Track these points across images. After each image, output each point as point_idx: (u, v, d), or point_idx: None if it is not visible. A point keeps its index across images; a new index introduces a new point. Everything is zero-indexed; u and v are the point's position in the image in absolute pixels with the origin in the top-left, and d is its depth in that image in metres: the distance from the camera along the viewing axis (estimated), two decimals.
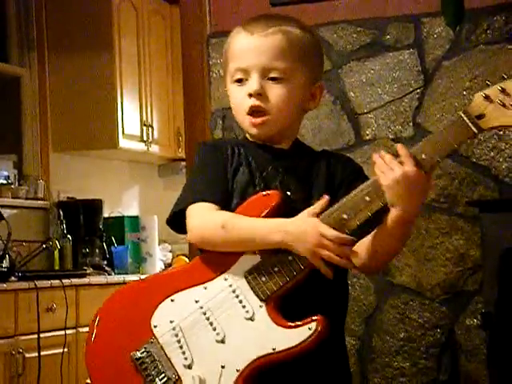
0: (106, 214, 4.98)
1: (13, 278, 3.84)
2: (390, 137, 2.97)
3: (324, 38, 3.04)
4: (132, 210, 5.47)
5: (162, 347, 1.67)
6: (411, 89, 2.93)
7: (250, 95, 1.69)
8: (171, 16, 5.34)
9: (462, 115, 1.54)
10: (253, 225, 1.63)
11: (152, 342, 1.68)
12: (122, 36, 4.94)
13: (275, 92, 1.69)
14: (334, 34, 3.07)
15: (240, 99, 1.71)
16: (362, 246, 1.64)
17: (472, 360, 2.87)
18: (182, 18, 3.19)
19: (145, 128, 5.16)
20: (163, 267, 5.29)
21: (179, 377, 1.65)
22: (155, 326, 1.68)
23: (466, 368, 2.89)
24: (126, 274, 4.73)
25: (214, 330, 1.64)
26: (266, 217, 1.63)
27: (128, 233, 5.04)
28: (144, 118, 5.17)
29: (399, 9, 2.96)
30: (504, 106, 1.52)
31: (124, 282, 4.49)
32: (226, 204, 1.69)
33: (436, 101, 2.92)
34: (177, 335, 1.66)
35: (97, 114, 4.85)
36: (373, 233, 1.64)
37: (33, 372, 3.77)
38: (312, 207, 1.61)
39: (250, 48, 1.70)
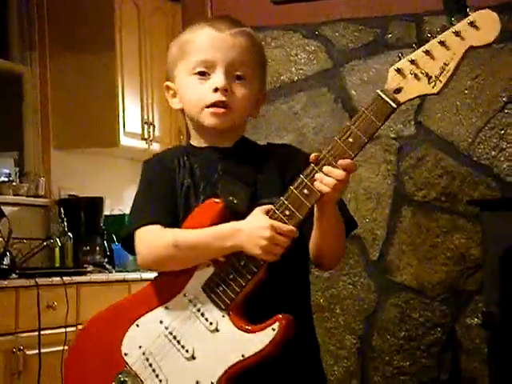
0: (106, 212, 4.98)
1: (13, 276, 3.84)
2: (392, 135, 2.97)
3: (326, 36, 3.04)
4: None
5: (136, 374, 1.66)
6: None
7: (216, 90, 1.69)
8: (173, 14, 5.33)
9: (379, 92, 1.56)
10: (204, 236, 1.63)
11: (126, 371, 1.67)
12: (123, 34, 4.94)
13: (238, 90, 1.70)
14: (336, 32, 3.07)
15: (201, 93, 1.70)
16: (312, 241, 1.66)
17: (472, 359, 2.87)
18: (183, 16, 3.19)
19: (146, 126, 5.16)
20: None
21: None
22: (126, 354, 1.68)
23: (466, 367, 2.88)
24: (127, 271, 4.72)
25: (183, 347, 1.63)
26: (211, 226, 1.63)
27: None
28: (145, 116, 5.16)
29: (401, 7, 2.96)
30: (416, 76, 1.54)
31: (124, 280, 4.49)
32: (173, 220, 1.68)
33: (437, 100, 2.92)
34: (148, 359, 1.66)
35: (98, 112, 4.84)
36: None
37: (33, 369, 3.76)
38: (265, 206, 1.61)
39: (218, 43, 1.70)
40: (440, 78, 1.54)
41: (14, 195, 4.55)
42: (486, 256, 2.70)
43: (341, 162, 1.56)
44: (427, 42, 1.54)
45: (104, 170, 5.27)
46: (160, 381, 1.65)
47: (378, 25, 2.99)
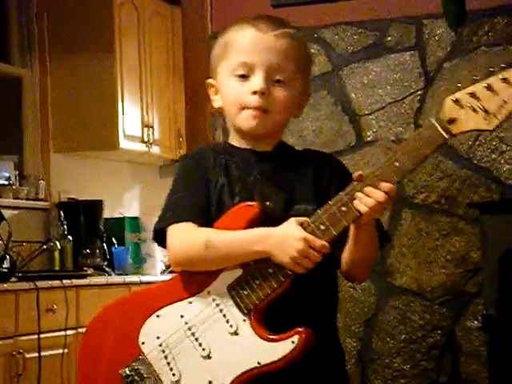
0: (106, 215, 4.98)
1: (13, 279, 3.84)
2: (391, 138, 2.98)
3: (325, 39, 3.04)
4: (132, 211, 5.47)
5: (150, 364, 1.66)
6: (412, 90, 2.93)
7: (255, 92, 1.67)
8: (173, 17, 5.33)
9: (433, 120, 1.53)
10: (235, 239, 1.62)
11: (140, 359, 1.67)
12: (123, 37, 4.94)
13: (277, 94, 1.68)
14: (336, 35, 3.07)
15: (240, 94, 1.69)
16: (345, 255, 1.66)
17: (472, 362, 2.87)
18: (183, 19, 3.19)
19: (146, 129, 5.16)
20: (164, 268, 5.29)
21: None
22: (143, 343, 1.68)
23: (466, 369, 2.89)
24: (127, 274, 4.72)
25: (200, 345, 1.63)
26: (245, 229, 1.62)
27: (128, 234, 5.04)
28: (145, 119, 5.17)
29: (401, 10, 2.96)
30: (474, 110, 1.50)
31: (124, 283, 4.49)
32: (206, 219, 1.67)
33: (437, 102, 2.92)
34: (164, 351, 1.66)
35: (98, 115, 4.84)
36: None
37: (33, 372, 3.76)
38: (300, 218, 1.60)
39: (260, 45, 1.68)
40: (497, 115, 1.49)
41: (14, 198, 4.55)
42: (485, 259, 2.70)
43: (383, 184, 1.54)
44: (489, 76, 1.50)
45: (104, 173, 5.27)
46: (173, 374, 1.65)
47: (378, 28, 2.99)
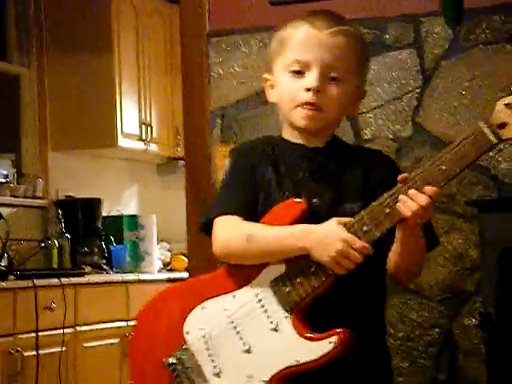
0: (104, 213, 4.98)
1: (11, 277, 3.84)
2: (390, 136, 2.98)
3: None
4: (130, 209, 5.47)
5: (193, 354, 1.68)
6: (410, 88, 2.93)
7: (308, 90, 1.68)
8: (170, 15, 5.33)
9: (481, 125, 1.50)
10: (277, 234, 1.62)
11: (184, 349, 1.69)
12: (121, 35, 4.94)
13: (331, 91, 1.68)
14: None
15: (294, 91, 1.69)
16: (391, 256, 1.65)
17: (470, 359, 2.87)
18: (181, 17, 3.19)
19: (144, 127, 5.16)
20: (162, 266, 5.29)
21: None
22: (187, 333, 1.69)
23: (464, 367, 2.89)
24: (125, 272, 4.73)
25: (241, 339, 1.65)
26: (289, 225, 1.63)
27: (126, 232, 5.04)
28: (143, 117, 5.17)
29: (399, 8, 2.96)
30: None
31: (122, 281, 4.49)
32: (253, 214, 1.68)
33: (435, 100, 2.92)
34: (207, 343, 1.67)
35: (96, 113, 4.85)
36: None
37: (31, 371, 3.76)
38: (343, 218, 1.59)
39: (315, 43, 1.68)
40: None
41: (12, 196, 4.55)
42: (483, 257, 2.70)
43: (427, 188, 1.53)
44: None
45: (102, 171, 5.27)
46: (214, 366, 1.66)
47: (375, 26, 2.99)
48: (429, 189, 1.53)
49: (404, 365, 2.93)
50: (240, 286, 1.66)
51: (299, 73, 1.69)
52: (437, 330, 2.92)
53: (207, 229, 1.74)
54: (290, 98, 1.70)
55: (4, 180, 4.54)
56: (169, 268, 5.29)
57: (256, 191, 1.70)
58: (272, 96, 1.77)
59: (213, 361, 1.66)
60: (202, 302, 1.69)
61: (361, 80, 1.74)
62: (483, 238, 2.69)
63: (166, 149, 5.48)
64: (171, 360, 1.70)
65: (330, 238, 1.57)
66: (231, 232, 1.68)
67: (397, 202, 1.55)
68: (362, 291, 1.66)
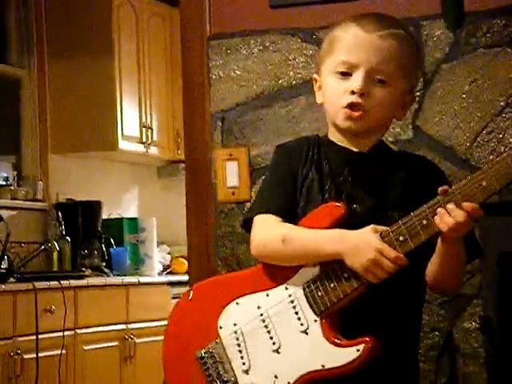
0: (104, 216, 4.98)
1: (11, 280, 3.84)
2: (390, 139, 2.97)
3: (323, 40, 3.03)
4: (131, 212, 5.47)
5: (224, 349, 1.69)
6: None
7: (353, 92, 1.67)
8: (171, 18, 5.34)
9: None
10: (312, 237, 1.62)
11: (217, 343, 1.70)
12: (121, 38, 4.95)
13: (377, 94, 1.67)
14: None
15: (339, 92, 1.69)
16: (429, 267, 1.64)
17: (470, 363, 2.87)
18: (181, 20, 3.19)
19: (144, 130, 5.16)
20: (162, 269, 5.29)
21: (237, 381, 1.67)
22: (221, 327, 1.70)
23: (464, 371, 2.88)
24: (125, 275, 4.72)
25: (271, 338, 1.65)
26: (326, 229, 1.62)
27: (127, 234, 5.04)
28: (143, 120, 5.17)
29: (399, 12, 2.96)
30: None
31: (122, 284, 4.49)
32: (292, 215, 1.68)
33: (436, 104, 2.92)
34: (238, 339, 1.68)
35: (96, 116, 4.85)
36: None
37: (31, 373, 3.76)
38: (379, 226, 1.58)
39: (363, 45, 1.67)
40: None
41: (12, 199, 4.55)
42: (484, 260, 2.70)
43: (466, 204, 1.51)
44: None
45: (102, 174, 5.27)
46: (243, 363, 1.67)
47: None
48: (467, 205, 1.52)
49: None
50: (275, 285, 1.67)
51: (346, 74, 1.69)
52: (437, 333, 2.91)
53: (248, 226, 1.74)
54: (335, 100, 1.69)
55: (4, 182, 4.54)
56: (169, 271, 5.29)
57: (297, 192, 1.70)
58: (319, 97, 1.76)
59: (242, 357, 1.67)
60: (238, 297, 1.70)
61: (409, 84, 1.72)
62: (483, 242, 2.68)
63: (167, 152, 5.48)
64: (203, 353, 1.71)
65: (363, 245, 1.56)
66: (267, 233, 1.68)
67: (435, 215, 1.54)
68: (398, 301, 1.65)
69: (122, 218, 5.12)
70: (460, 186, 1.53)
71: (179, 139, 5.29)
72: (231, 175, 2.94)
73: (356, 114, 1.67)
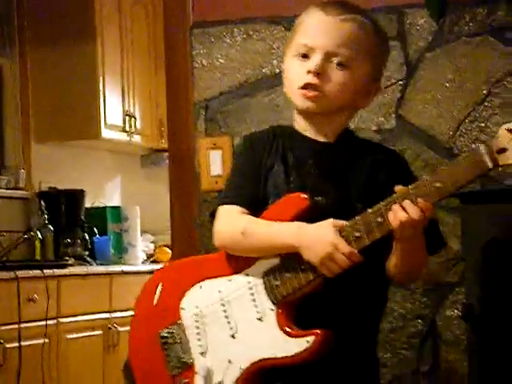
0: (87, 205, 4.96)
1: None
2: (373, 128, 2.98)
3: None
4: (114, 201, 5.46)
5: (184, 330, 1.71)
6: (394, 80, 2.94)
7: (309, 72, 1.66)
8: (154, 6, 5.31)
9: (481, 147, 1.49)
10: (270, 229, 1.63)
11: (178, 324, 1.72)
12: (104, 25, 4.92)
13: (336, 77, 1.66)
14: None
15: (297, 74, 1.69)
16: (388, 261, 1.64)
17: (452, 350, 2.89)
18: (164, 8, 3.18)
19: (127, 118, 5.14)
20: (145, 258, 5.28)
21: (193, 362, 1.69)
22: (183, 309, 1.72)
23: (446, 358, 2.90)
24: (108, 264, 4.71)
25: (229, 323, 1.67)
26: (289, 222, 1.62)
27: (110, 223, 5.02)
28: (126, 108, 5.15)
29: (382, 0, 2.96)
30: None
31: (106, 273, 4.48)
32: (255, 206, 1.68)
33: (419, 93, 2.93)
34: (197, 321, 1.70)
35: (79, 104, 4.82)
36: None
37: (13, 362, 3.75)
38: (339, 220, 1.58)
39: (323, 27, 1.68)
40: None
41: None
42: (466, 248, 2.71)
43: (421, 201, 1.52)
44: None
45: (85, 163, 5.25)
46: (200, 345, 1.69)
47: None
48: (422, 202, 1.52)
49: (386, 356, 2.95)
50: (237, 271, 1.68)
51: (305, 56, 1.68)
52: (419, 321, 2.93)
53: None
54: (293, 81, 1.69)
55: None
56: (152, 260, 5.28)
57: (261, 182, 1.70)
58: (284, 86, 1.75)
59: (200, 339, 1.69)
60: (201, 281, 1.71)
61: (373, 72, 1.71)
62: (465, 230, 2.70)
63: (150, 140, 5.46)
64: (165, 332, 1.72)
65: (319, 239, 1.57)
66: (228, 225, 1.69)
67: (389, 212, 1.54)
68: (356, 295, 1.66)
69: (105, 207, 5.10)
70: (415, 186, 1.54)
71: (163, 128, 5.27)
72: (215, 164, 2.93)
73: (311, 93, 1.66)
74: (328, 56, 1.66)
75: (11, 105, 4.79)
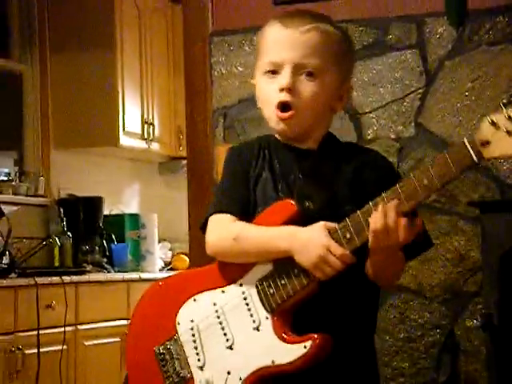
0: (106, 212, 4.98)
1: (13, 275, 3.84)
2: (392, 137, 2.98)
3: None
4: (132, 208, 5.47)
5: (181, 345, 1.70)
6: (413, 89, 2.93)
7: (282, 90, 1.66)
8: (173, 14, 5.33)
9: (465, 141, 1.48)
10: (262, 234, 1.63)
11: (175, 339, 1.71)
12: (123, 34, 4.94)
13: (306, 88, 1.66)
14: None
15: (270, 92, 1.69)
16: (366, 263, 1.63)
17: (471, 361, 2.87)
18: (184, 16, 3.19)
19: (146, 126, 5.16)
20: (163, 265, 5.29)
21: (192, 377, 1.68)
22: (179, 323, 1.71)
23: (465, 369, 2.88)
24: (126, 271, 4.72)
25: (225, 335, 1.66)
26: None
27: (128, 230, 5.04)
28: (145, 116, 5.17)
29: (402, 9, 2.95)
30: (509, 134, 1.43)
31: (123, 280, 4.49)
32: (246, 213, 1.68)
33: (438, 101, 2.92)
34: (194, 335, 1.69)
35: (98, 112, 4.84)
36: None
37: (32, 368, 3.77)
38: (330, 223, 1.58)
39: (284, 42, 1.68)
40: None
41: (14, 194, 4.55)
42: (485, 258, 2.70)
43: (401, 220, 1.50)
44: None
45: (103, 170, 5.27)
46: (199, 359, 1.68)
47: (379, 26, 2.99)
48: (401, 220, 1.51)
49: (405, 365, 2.93)
50: (230, 282, 1.68)
51: (274, 73, 1.68)
52: (438, 330, 2.91)
53: (205, 228, 1.75)
54: (267, 100, 1.69)
55: (6, 178, 4.54)
56: (170, 267, 5.29)
57: (249, 190, 1.70)
58: (258, 102, 1.75)
59: (198, 353, 1.68)
60: (195, 294, 1.71)
61: (341, 75, 1.71)
62: (485, 239, 2.68)
63: (168, 148, 5.48)
64: (161, 349, 1.72)
65: (312, 242, 1.57)
66: (220, 231, 1.69)
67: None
68: (350, 298, 1.65)
69: (123, 214, 5.12)
70: (404, 183, 1.53)
71: (181, 135, 5.28)
72: None
73: (286, 114, 1.66)
74: (296, 69, 1.67)
75: (31, 112, 4.83)
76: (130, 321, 1.83)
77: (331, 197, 1.65)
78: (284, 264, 1.61)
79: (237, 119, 3.04)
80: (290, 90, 1.65)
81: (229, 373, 1.63)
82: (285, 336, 1.59)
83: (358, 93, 3.02)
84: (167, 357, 1.71)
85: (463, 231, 2.92)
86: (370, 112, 3.01)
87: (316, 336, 1.56)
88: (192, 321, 1.69)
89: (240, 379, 1.62)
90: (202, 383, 1.66)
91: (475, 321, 2.86)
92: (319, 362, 1.57)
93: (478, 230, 2.82)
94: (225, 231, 1.68)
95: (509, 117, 1.43)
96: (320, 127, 1.72)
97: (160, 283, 1.80)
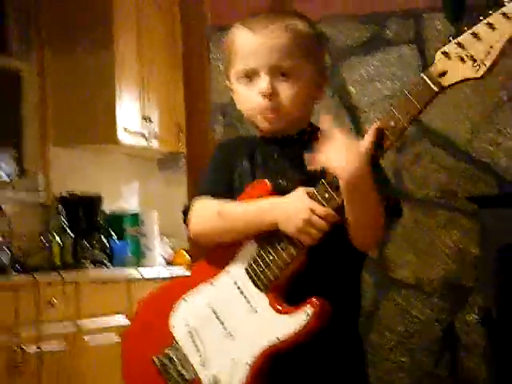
0: (105, 209, 4.98)
1: (13, 273, 3.85)
2: None
3: (324, 32, 3.04)
4: (132, 205, 5.48)
5: (180, 348, 1.70)
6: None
7: (264, 96, 1.69)
8: (172, 11, 5.33)
9: (423, 75, 1.53)
10: (247, 208, 1.65)
11: (172, 343, 1.71)
12: (122, 30, 4.94)
13: (285, 89, 1.69)
14: (334, 28, 3.07)
15: (249, 97, 1.72)
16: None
17: (471, 355, 2.88)
18: (182, 12, 3.19)
19: (145, 123, 5.16)
20: (163, 262, 5.29)
21: (198, 376, 1.68)
22: (173, 327, 1.71)
23: (464, 362, 2.89)
24: (126, 268, 4.73)
25: (223, 325, 1.66)
26: None
27: (128, 227, 5.04)
28: (144, 113, 5.17)
29: (400, 4, 2.96)
30: (462, 59, 1.49)
31: (124, 277, 4.50)
32: (226, 196, 1.71)
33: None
34: (191, 335, 1.69)
35: (97, 109, 4.84)
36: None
37: (33, 366, 3.77)
38: (308, 188, 1.60)
39: (256, 47, 1.69)
40: (485, 62, 1.48)
41: (13, 192, 4.55)
42: (484, 252, 2.71)
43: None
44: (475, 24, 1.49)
45: (103, 167, 5.27)
46: (200, 356, 1.68)
47: (377, 21, 2.99)
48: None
49: (404, 360, 2.94)
50: (215, 274, 1.68)
51: (251, 79, 1.71)
52: (437, 325, 2.92)
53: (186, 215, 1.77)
54: (249, 106, 1.72)
55: (5, 176, 4.54)
56: (170, 264, 5.29)
57: (231, 179, 1.73)
58: (237, 103, 1.78)
59: (198, 350, 1.68)
60: (184, 295, 1.71)
61: (316, 67, 1.74)
62: (483, 234, 2.69)
63: (168, 145, 5.48)
64: (160, 357, 1.72)
65: (294, 207, 1.59)
66: (203, 210, 1.71)
67: None
68: (337, 267, 1.66)
69: (123, 211, 5.12)
70: (372, 132, 1.56)
71: (180, 132, 5.28)
72: None
73: (270, 116, 1.70)
74: (272, 72, 1.69)
75: (30, 109, 4.83)
76: (126, 331, 1.83)
77: (305, 176, 1.67)
78: (269, 240, 1.62)
79: (236, 115, 3.04)
80: (271, 94, 1.68)
81: (234, 360, 1.63)
82: (283, 309, 1.60)
83: (356, 88, 3.03)
84: (169, 364, 1.71)
85: (462, 226, 2.93)
86: (369, 107, 3.01)
87: (314, 300, 1.57)
88: (186, 320, 1.69)
89: (247, 364, 1.61)
90: (210, 381, 1.66)
91: (474, 315, 2.87)
92: (322, 328, 1.57)
93: (477, 225, 2.82)
94: (208, 209, 1.70)
95: (458, 43, 1.49)
96: (303, 117, 1.76)
97: (153, 292, 1.80)
